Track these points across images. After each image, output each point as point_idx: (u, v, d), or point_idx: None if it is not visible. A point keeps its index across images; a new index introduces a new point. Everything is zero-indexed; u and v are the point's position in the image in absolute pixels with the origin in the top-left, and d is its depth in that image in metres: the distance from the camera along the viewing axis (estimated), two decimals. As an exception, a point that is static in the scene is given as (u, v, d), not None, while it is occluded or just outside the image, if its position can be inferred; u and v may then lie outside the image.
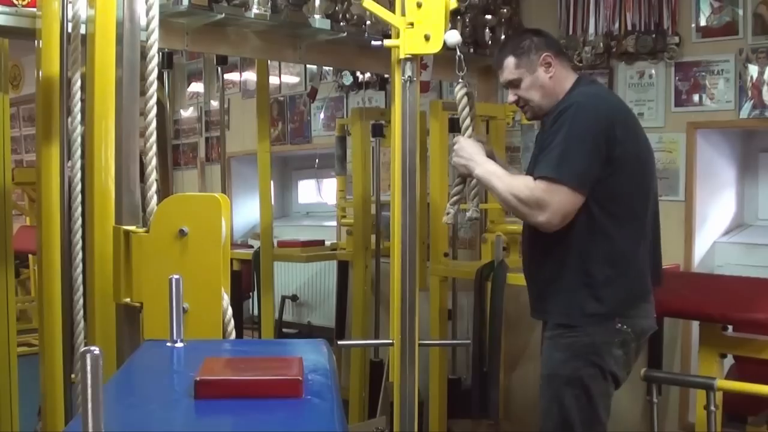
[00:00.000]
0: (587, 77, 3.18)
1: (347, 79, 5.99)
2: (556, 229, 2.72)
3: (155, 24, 2.25)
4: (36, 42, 2.63)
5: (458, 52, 2.94)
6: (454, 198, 3.07)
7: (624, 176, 2.77)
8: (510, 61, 2.99)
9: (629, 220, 2.81)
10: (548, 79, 2.96)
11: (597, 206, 2.75)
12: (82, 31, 2.51)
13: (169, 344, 1.65)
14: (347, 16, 3.74)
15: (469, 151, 2.97)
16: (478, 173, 2.92)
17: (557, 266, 2.83)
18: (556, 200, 2.69)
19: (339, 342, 4.80)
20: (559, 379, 2.83)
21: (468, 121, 3.05)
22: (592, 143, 2.71)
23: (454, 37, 2.89)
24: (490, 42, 4.48)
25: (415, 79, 2.90)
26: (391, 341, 2.99)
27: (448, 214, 3.09)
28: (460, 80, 3.10)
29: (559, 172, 2.69)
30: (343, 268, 5.41)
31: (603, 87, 3.13)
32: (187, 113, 7.99)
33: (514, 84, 3.01)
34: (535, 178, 2.75)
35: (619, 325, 2.77)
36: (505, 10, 4.63)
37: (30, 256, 7.43)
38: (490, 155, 3.00)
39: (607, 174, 2.73)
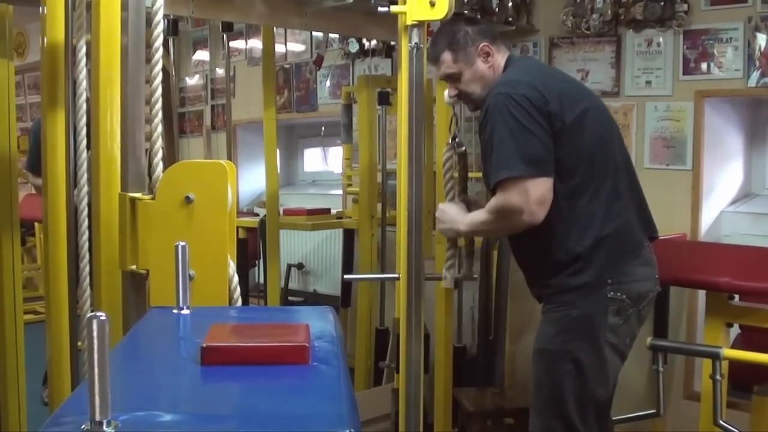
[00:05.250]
0: (515, 57, 3.09)
1: (353, 47, 5.97)
2: (542, 218, 2.69)
3: (160, -10, 2.24)
4: (41, 8, 2.61)
5: (453, 111, 2.96)
6: (448, 262, 3.12)
7: (572, 147, 2.75)
8: (447, 56, 2.96)
9: (594, 186, 2.78)
10: (487, 69, 2.94)
11: (558, 182, 2.73)
12: (87, -3, 2.50)
13: (175, 311, 1.65)
14: (353, -18, 3.72)
15: (451, 213, 3.02)
16: (464, 230, 2.98)
17: (539, 254, 2.83)
18: (524, 195, 2.66)
19: (345, 276, 4.82)
20: (549, 353, 2.83)
21: (450, 185, 3.08)
22: (531, 124, 2.68)
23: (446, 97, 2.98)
24: (497, 9, 4.44)
25: (421, 46, 2.88)
26: (397, 275, 3.01)
27: (445, 279, 3.13)
28: (450, 141, 3.11)
29: (509, 170, 2.67)
30: (349, 237, 5.41)
31: (524, 65, 3.03)
32: (193, 81, 7.97)
33: (454, 78, 2.98)
34: (493, 186, 2.75)
35: (612, 293, 2.75)
36: (512, -23, 4.59)
37: (36, 224, 7.45)
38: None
39: (556, 149, 2.72)
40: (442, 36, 2.99)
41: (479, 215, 2.89)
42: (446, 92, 3.16)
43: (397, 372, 3.19)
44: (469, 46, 2.93)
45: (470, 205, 3.06)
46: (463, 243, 3.22)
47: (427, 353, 3.59)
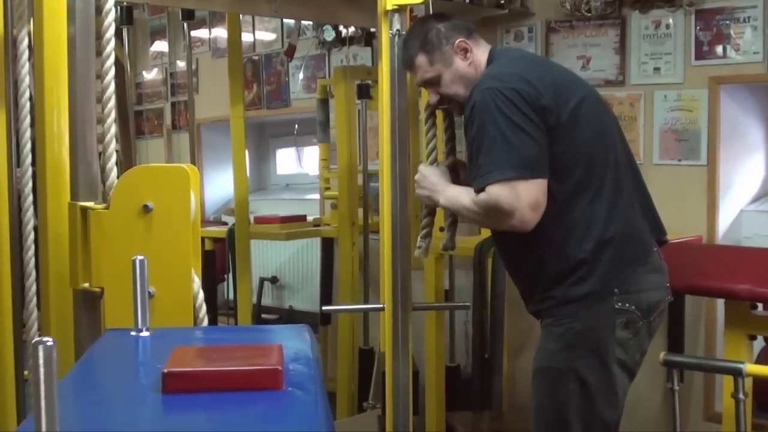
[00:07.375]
0: (499, 49, 3.06)
1: (329, 35, 5.97)
2: (534, 224, 2.67)
3: (111, -26, 2.23)
4: (-23, -4, 2.61)
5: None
6: (424, 231, 3.08)
7: (568, 144, 2.74)
8: (422, 59, 2.91)
9: (594, 184, 2.77)
10: (468, 66, 2.90)
11: (554, 183, 2.72)
12: (29, -18, 2.49)
13: (133, 333, 1.65)
14: (328, -37, 3.73)
15: (432, 180, 2.95)
16: (443, 203, 2.92)
17: (535, 262, 2.81)
18: (516, 198, 2.64)
19: (323, 308, 4.84)
20: (552, 371, 2.81)
21: (432, 145, 3.05)
22: (522, 121, 2.66)
23: None
24: (487, -8, 4.47)
25: (403, 32, 2.88)
26: (381, 305, 2.99)
27: (419, 248, 3.09)
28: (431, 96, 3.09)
29: (500, 171, 2.65)
30: (328, 246, 5.42)
31: (512, 56, 3.01)
32: (151, 75, 7.96)
33: (434, 82, 2.95)
34: (484, 187, 2.70)
35: (619, 304, 2.73)
36: (504, -43, 4.61)
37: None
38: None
39: (551, 146, 2.71)
40: (413, 38, 2.95)
41: (463, 198, 2.84)
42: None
43: (383, 413, 3.16)
44: (444, 45, 2.90)
45: (459, 169, 3.03)
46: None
47: (417, 389, 3.57)
